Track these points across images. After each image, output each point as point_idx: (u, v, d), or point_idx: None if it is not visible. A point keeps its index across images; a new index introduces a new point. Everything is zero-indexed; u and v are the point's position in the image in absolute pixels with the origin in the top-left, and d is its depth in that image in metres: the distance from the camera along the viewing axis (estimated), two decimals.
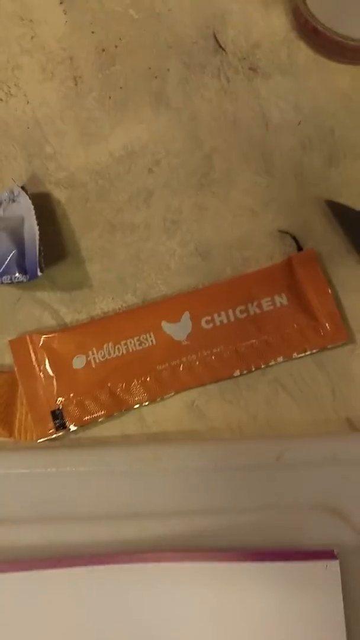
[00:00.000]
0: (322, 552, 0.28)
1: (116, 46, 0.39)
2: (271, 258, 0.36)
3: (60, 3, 0.39)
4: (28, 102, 0.38)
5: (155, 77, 0.39)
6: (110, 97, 0.38)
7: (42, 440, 0.33)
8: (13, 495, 0.32)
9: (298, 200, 0.36)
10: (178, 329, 0.34)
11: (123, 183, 0.37)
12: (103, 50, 0.39)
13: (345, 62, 0.38)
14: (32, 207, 0.35)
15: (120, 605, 0.29)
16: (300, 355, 0.34)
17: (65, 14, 0.39)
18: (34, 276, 0.33)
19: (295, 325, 0.34)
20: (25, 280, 0.33)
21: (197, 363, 0.33)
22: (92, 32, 0.39)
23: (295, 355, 0.34)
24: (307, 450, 0.31)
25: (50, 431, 0.33)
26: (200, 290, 0.35)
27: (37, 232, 0.34)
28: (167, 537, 0.30)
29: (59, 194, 0.37)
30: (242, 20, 0.39)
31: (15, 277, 0.33)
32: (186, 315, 0.34)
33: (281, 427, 0.33)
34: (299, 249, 0.35)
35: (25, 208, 0.35)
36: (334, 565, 0.28)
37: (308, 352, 0.34)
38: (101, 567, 0.29)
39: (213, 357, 0.33)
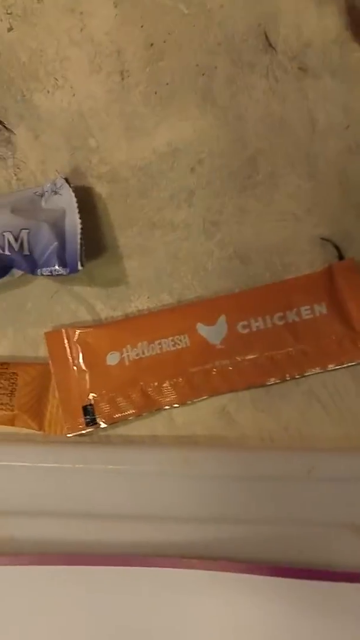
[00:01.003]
0: (354, 574, 0.25)
1: (165, 41, 0.36)
2: (311, 265, 0.32)
3: None
4: (74, 95, 0.35)
5: (203, 75, 0.35)
6: (156, 93, 0.35)
7: (71, 435, 0.31)
8: (40, 489, 0.30)
9: (341, 207, 0.33)
10: (213, 332, 0.31)
11: (165, 180, 0.34)
12: (151, 44, 0.35)
13: None
14: (75, 199, 0.32)
15: (136, 608, 0.27)
16: (337, 367, 0.30)
17: (115, 7, 0.36)
18: (74, 270, 0.31)
19: (333, 337, 0.31)
20: (65, 273, 0.31)
21: (231, 368, 0.31)
22: (142, 26, 0.36)
23: (331, 366, 0.30)
24: (340, 466, 0.28)
25: (81, 426, 0.31)
26: (238, 294, 0.32)
27: (80, 226, 0.31)
28: (190, 543, 0.28)
29: (100, 189, 0.34)
30: (294, 18, 0.35)
31: (55, 270, 0.31)
32: (222, 319, 0.31)
33: (313, 440, 0.30)
34: (340, 257, 0.32)
35: (67, 201, 0.32)
36: None
37: (345, 365, 0.30)
38: (121, 569, 0.27)
39: (247, 363, 0.31)
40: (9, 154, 0.35)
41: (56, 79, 0.36)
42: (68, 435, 0.31)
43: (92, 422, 0.31)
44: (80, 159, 0.35)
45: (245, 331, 0.31)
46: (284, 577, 0.26)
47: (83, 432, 0.31)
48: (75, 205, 0.32)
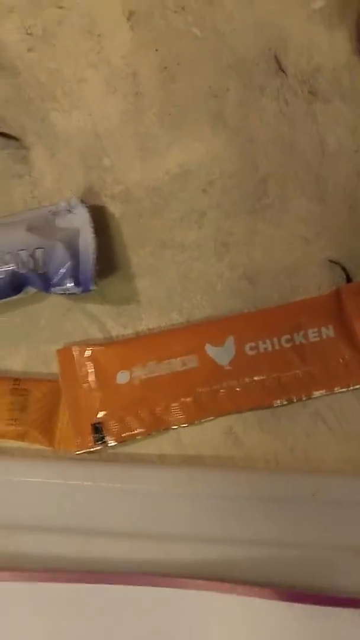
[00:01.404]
0: (357, 600, 0.25)
1: (178, 64, 0.36)
2: (319, 288, 0.33)
3: (128, 19, 0.36)
4: (90, 115, 0.36)
5: (215, 97, 0.35)
6: (169, 114, 0.35)
7: (80, 452, 0.31)
8: (47, 504, 0.30)
9: (350, 230, 0.33)
10: (221, 353, 0.31)
11: (177, 201, 0.34)
12: (165, 67, 0.36)
13: None
14: (89, 219, 0.33)
15: (139, 627, 0.27)
16: (343, 389, 0.30)
17: (131, 30, 0.36)
18: (87, 289, 0.31)
19: (340, 359, 0.31)
20: (78, 292, 0.31)
21: (238, 389, 0.31)
22: (156, 50, 0.36)
23: (337, 389, 0.30)
24: (346, 489, 0.28)
25: (89, 444, 0.31)
26: (247, 315, 0.32)
27: (94, 245, 0.32)
28: (194, 563, 0.28)
29: (114, 208, 0.35)
30: (305, 42, 0.35)
31: (69, 289, 0.31)
32: (230, 340, 0.31)
33: (319, 462, 0.30)
34: (348, 280, 0.32)
35: (81, 220, 0.33)
36: None
37: (351, 387, 0.30)
38: (124, 587, 0.27)
39: (254, 385, 0.31)
40: (25, 171, 0.36)
41: (73, 100, 0.36)
42: (77, 452, 0.31)
43: (101, 440, 0.31)
44: (94, 178, 0.35)
45: (253, 353, 0.31)
46: (287, 601, 0.26)
47: (91, 449, 0.31)
48: (90, 225, 0.32)
